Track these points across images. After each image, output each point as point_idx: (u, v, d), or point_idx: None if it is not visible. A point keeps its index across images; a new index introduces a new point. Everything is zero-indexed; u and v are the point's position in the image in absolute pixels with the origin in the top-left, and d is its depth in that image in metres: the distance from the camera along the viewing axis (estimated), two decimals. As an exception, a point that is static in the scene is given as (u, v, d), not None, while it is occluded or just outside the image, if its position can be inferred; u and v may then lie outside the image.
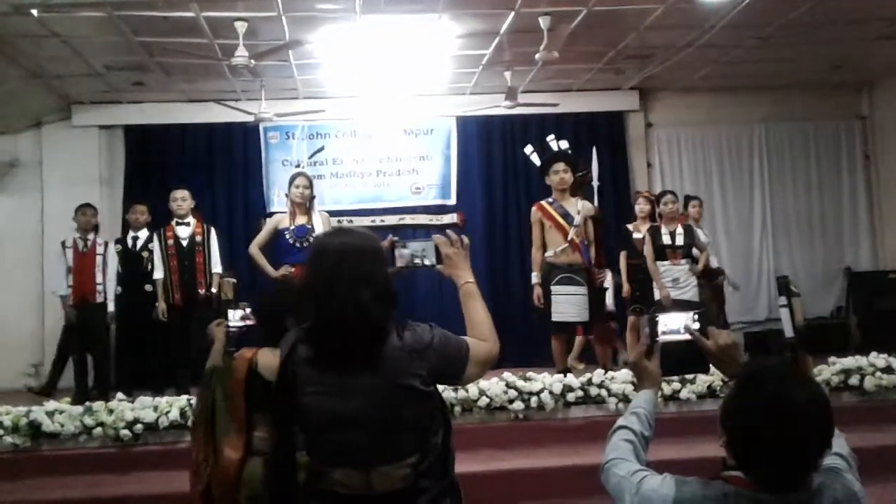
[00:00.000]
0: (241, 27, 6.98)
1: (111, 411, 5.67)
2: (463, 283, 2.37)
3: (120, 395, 6.14)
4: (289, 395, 2.17)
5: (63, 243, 7.52)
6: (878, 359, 6.30)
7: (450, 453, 2.25)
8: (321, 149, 9.79)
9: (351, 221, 9.02)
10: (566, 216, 6.88)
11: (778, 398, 1.73)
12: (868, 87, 10.40)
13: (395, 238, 2.37)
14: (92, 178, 9.33)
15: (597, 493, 2.10)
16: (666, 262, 7.24)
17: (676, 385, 5.93)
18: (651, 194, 8.27)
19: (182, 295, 7.24)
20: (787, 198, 10.36)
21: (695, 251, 7.42)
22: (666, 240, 7.28)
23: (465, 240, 2.42)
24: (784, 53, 8.64)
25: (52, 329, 8.49)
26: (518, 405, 5.77)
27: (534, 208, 7.05)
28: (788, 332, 3.06)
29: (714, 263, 8.25)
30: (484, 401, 5.76)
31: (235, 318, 3.74)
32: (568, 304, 6.73)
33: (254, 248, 6.72)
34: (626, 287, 7.76)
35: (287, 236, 6.56)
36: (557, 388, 5.87)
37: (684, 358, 2.09)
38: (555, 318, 6.76)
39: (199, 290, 7.24)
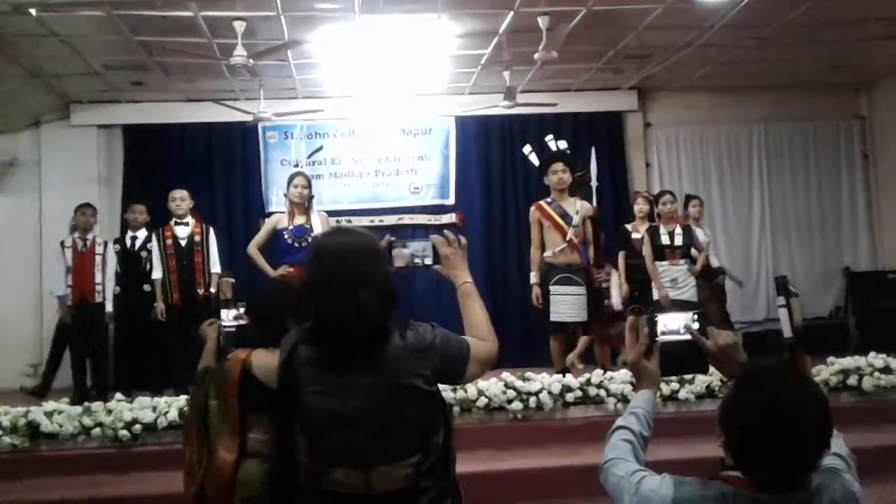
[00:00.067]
0: (239, 27, 6.97)
1: (110, 412, 5.66)
2: (461, 284, 2.38)
3: (118, 395, 6.12)
4: (290, 395, 2.17)
5: (62, 243, 7.52)
6: (877, 359, 6.29)
7: (451, 453, 2.25)
8: (320, 148, 9.79)
9: (349, 221, 9.01)
10: (565, 216, 6.88)
11: (776, 398, 1.73)
12: (867, 87, 10.41)
13: (393, 238, 2.37)
14: (90, 177, 9.32)
15: (596, 493, 2.10)
16: (665, 263, 7.25)
17: (675, 385, 5.93)
18: (650, 194, 8.27)
19: (181, 295, 7.24)
20: (786, 198, 10.36)
21: (693, 251, 7.43)
22: (665, 240, 7.28)
23: (463, 240, 2.43)
24: (783, 53, 8.64)
25: (50, 329, 8.44)
26: (517, 405, 5.77)
27: (532, 208, 7.05)
28: (787, 332, 3.07)
29: (715, 263, 8.25)
30: (483, 401, 5.75)
31: (229, 317, 3.70)
32: (566, 304, 6.74)
33: (252, 248, 6.72)
34: (624, 287, 7.76)
35: (286, 236, 6.56)
36: (556, 389, 5.87)
37: (683, 358, 2.09)
38: (553, 318, 6.77)
39: (198, 290, 7.24)
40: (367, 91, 9.30)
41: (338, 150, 9.84)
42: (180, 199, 7.33)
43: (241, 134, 9.61)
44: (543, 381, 5.93)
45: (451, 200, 9.90)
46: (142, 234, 7.85)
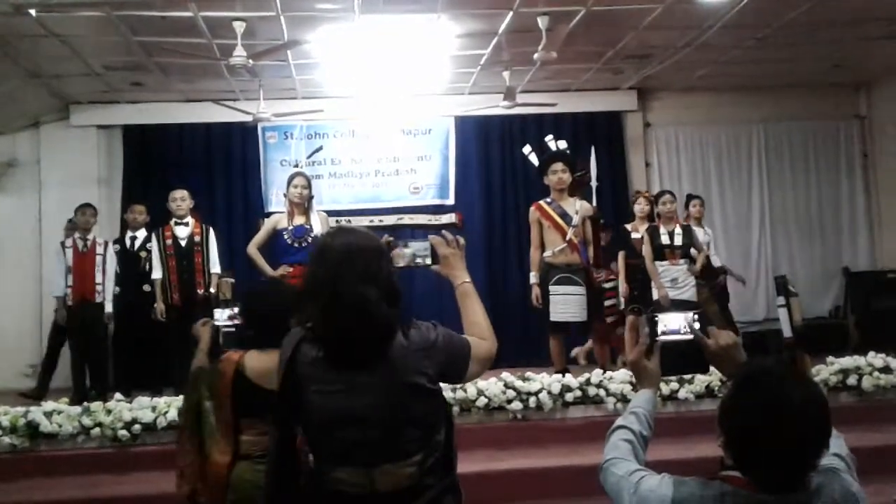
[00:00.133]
0: (239, 27, 6.97)
1: (109, 412, 5.67)
2: (459, 283, 2.39)
3: (118, 395, 6.14)
4: (292, 395, 2.17)
5: (62, 243, 7.52)
6: (876, 359, 6.30)
7: (452, 451, 2.25)
8: (319, 149, 9.79)
9: (349, 221, 9.01)
10: (564, 216, 6.88)
11: (776, 398, 1.73)
12: (866, 86, 10.41)
13: (390, 238, 2.38)
14: (90, 177, 9.32)
15: (595, 493, 2.10)
16: (664, 262, 7.24)
17: (674, 385, 5.93)
18: (651, 194, 8.27)
19: (181, 295, 7.24)
20: (785, 198, 10.36)
21: (693, 251, 7.43)
22: (664, 240, 7.28)
23: (461, 240, 2.44)
24: (783, 53, 8.64)
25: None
26: (516, 405, 5.77)
27: (532, 208, 7.05)
28: (787, 331, 3.07)
29: (717, 262, 8.25)
30: (482, 401, 5.76)
31: (223, 317, 3.64)
32: (566, 304, 6.74)
33: (252, 249, 6.72)
34: (624, 287, 7.76)
35: (285, 236, 6.56)
36: (556, 388, 5.88)
37: (683, 358, 2.09)
38: (553, 318, 6.77)
39: (198, 291, 7.23)
40: (367, 91, 9.29)
41: (337, 150, 9.84)
42: (181, 200, 7.33)
43: (240, 134, 9.61)
44: (543, 381, 5.94)
45: (450, 200, 9.90)
46: (141, 234, 7.85)
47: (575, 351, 7.33)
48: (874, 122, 10.39)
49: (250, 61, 7.06)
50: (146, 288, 7.48)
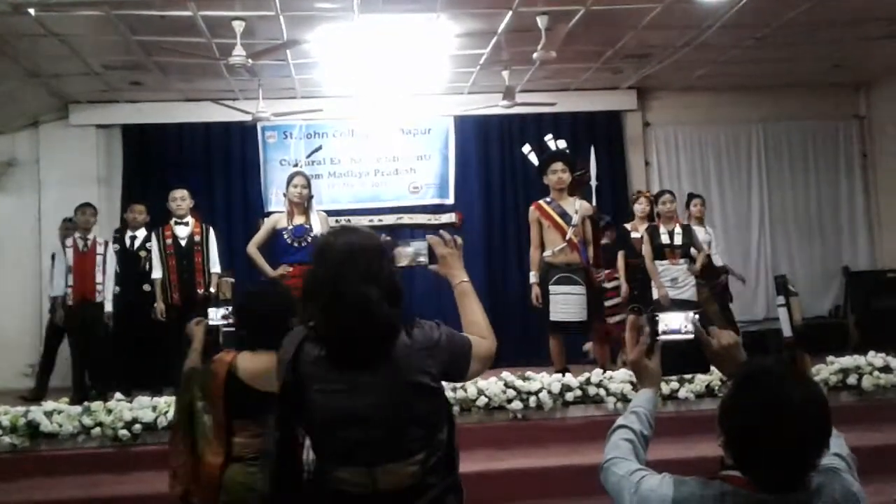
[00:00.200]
0: (238, 26, 6.97)
1: (109, 411, 5.67)
2: (458, 283, 2.40)
3: (118, 395, 6.13)
4: (294, 394, 2.16)
5: (63, 243, 7.51)
6: (876, 358, 6.31)
7: (454, 450, 2.26)
8: (319, 148, 9.78)
9: (349, 221, 8.97)
10: (564, 216, 6.89)
11: (776, 398, 1.73)
12: (866, 86, 10.41)
13: (389, 238, 2.39)
14: (89, 177, 9.31)
15: (596, 492, 2.10)
16: (664, 262, 7.25)
17: (675, 384, 5.93)
18: (651, 194, 8.28)
19: (180, 295, 7.24)
20: (784, 197, 10.37)
21: (693, 251, 7.43)
22: (664, 239, 7.29)
23: (459, 240, 2.45)
24: (782, 53, 8.64)
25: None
26: (517, 405, 5.77)
27: (532, 208, 7.06)
28: (787, 331, 3.07)
29: (718, 262, 8.25)
30: (482, 400, 5.76)
31: (217, 316, 3.59)
32: (566, 303, 6.74)
33: (252, 248, 6.72)
34: (624, 287, 7.76)
35: (285, 236, 6.56)
36: (556, 388, 5.88)
37: (684, 357, 2.09)
38: (553, 317, 6.77)
39: (198, 290, 7.24)
40: (366, 91, 9.29)
41: (337, 149, 9.84)
42: (181, 199, 7.33)
43: (240, 134, 9.61)
44: (543, 381, 5.94)
45: (450, 200, 9.90)
46: (141, 233, 7.84)
47: (587, 346, 7.34)
48: (874, 122, 10.39)
49: (249, 61, 7.05)
50: (146, 287, 7.48)
